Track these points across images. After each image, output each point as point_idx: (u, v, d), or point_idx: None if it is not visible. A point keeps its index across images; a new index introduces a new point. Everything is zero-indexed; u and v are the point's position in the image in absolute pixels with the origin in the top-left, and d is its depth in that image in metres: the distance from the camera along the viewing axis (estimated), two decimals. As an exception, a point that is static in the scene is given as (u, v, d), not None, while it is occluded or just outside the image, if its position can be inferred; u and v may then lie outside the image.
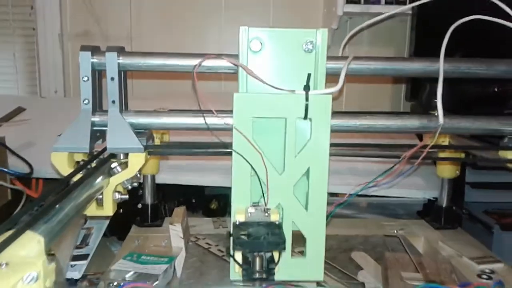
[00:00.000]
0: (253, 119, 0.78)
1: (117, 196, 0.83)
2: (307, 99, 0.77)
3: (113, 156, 0.83)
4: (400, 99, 2.09)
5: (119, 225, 1.30)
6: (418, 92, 1.70)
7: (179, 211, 1.21)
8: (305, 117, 0.78)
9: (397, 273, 0.87)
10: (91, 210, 0.81)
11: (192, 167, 1.40)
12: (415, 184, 1.45)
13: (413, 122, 0.85)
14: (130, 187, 0.84)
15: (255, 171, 0.79)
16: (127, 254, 1.00)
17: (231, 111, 0.82)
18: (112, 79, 0.80)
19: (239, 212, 0.77)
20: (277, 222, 0.77)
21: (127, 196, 0.84)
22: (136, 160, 0.81)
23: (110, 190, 0.81)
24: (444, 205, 1.32)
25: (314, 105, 0.78)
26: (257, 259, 0.74)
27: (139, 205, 1.29)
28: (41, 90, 2.04)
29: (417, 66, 0.81)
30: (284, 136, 0.80)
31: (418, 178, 1.50)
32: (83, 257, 1.11)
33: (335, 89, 0.78)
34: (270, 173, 0.79)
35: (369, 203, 1.52)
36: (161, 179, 1.32)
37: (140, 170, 0.89)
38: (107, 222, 1.25)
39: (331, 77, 0.82)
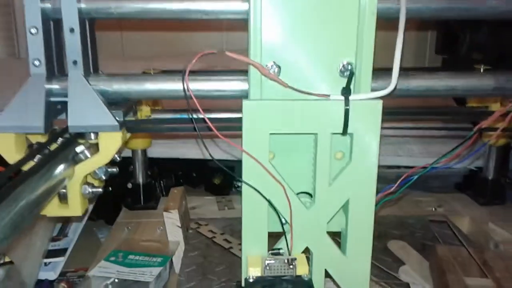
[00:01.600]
0: (270, 137, 0.56)
1: (88, 190, 0.62)
2: (347, 106, 0.55)
3: (80, 136, 0.61)
4: (425, 50, 1.83)
5: (107, 207, 1.13)
6: (452, 44, 1.45)
7: (176, 193, 1.01)
8: (344, 132, 0.56)
9: (459, 280, 0.67)
10: (52, 209, 0.61)
11: (191, 140, 1.18)
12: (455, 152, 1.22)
13: (488, 82, 0.62)
14: (104, 177, 0.63)
15: (274, 208, 0.57)
16: (110, 253, 0.80)
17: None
18: (72, 30, 0.58)
19: (253, 264, 0.57)
20: (306, 278, 0.57)
21: (100, 189, 0.63)
22: (110, 142, 0.59)
23: (77, 182, 0.60)
24: (490, 177, 1.12)
25: (357, 115, 0.56)
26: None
27: (129, 185, 1.09)
28: (19, 51, 1.80)
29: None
30: (314, 157, 0.58)
31: (456, 144, 1.27)
32: (60, 252, 0.92)
33: (388, 90, 0.55)
34: (295, 208, 0.57)
35: (398, 175, 1.30)
36: (155, 152, 1.11)
37: (120, 151, 0.68)
38: (90, 207, 1.05)
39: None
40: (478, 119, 0.67)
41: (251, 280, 0.56)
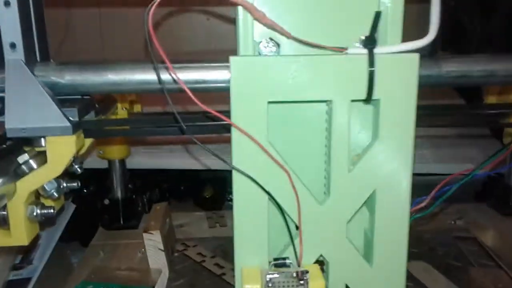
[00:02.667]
0: (268, 106, 0.43)
1: (35, 211, 0.48)
2: (371, 63, 0.41)
3: (26, 142, 0.48)
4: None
5: (83, 226, 0.99)
6: (461, 38, 1.33)
7: (159, 209, 0.88)
8: (368, 98, 0.42)
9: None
10: (-11, 237, 0.47)
11: (177, 148, 1.05)
12: (470, 156, 1.11)
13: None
14: (56, 195, 0.49)
15: (276, 202, 0.44)
16: (78, 285, 0.66)
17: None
18: (7, 4, 0.44)
19: (249, 280, 0.43)
20: None
21: (52, 210, 0.49)
22: (60, 149, 0.46)
23: (20, 202, 0.46)
24: (514, 184, 0.99)
25: (386, 74, 0.42)
26: None
27: (106, 201, 0.95)
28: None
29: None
30: (327, 134, 0.45)
31: (473, 149, 1.15)
32: (22, 283, 0.77)
33: (427, 38, 0.42)
34: (304, 202, 0.44)
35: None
36: (136, 163, 0.97)
37: (81, 162, 0.55)
38: (62, 225, 0.91)
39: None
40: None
41: None
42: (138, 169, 1.04)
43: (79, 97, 0.52)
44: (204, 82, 0.49)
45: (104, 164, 0.97)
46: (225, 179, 1.12)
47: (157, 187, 1.12)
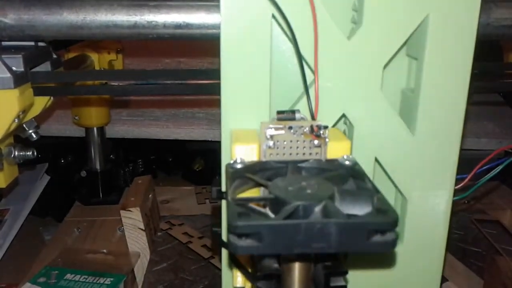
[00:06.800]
0: None
1: (13, 152, 0.39)
2: None
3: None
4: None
5: (57, 201, 0.91)
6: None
7: (140, 183, 0.78)
8: None
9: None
10: None
11: (164, 114, 0.94)
12: (485, 130, 1.01)
13: None
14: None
15: (288, 25, 0.33)
16: (41, 270, 0.56)
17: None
18: None
19: (242, 139, 0.32)
20: (347, 162, 0.30)
21: (30, 153, 0.41)
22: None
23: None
24: (534, 161, 0.90)
25: None
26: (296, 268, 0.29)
27: (83, 173, 0.85)
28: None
29: None
30: None
31: (488, 122, 1.05)
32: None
33: None
34: (325, 33, 0.33)
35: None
36: (117, 132, 0.86)
37: (36, 126, 0.45)
38: (32, 200, 0.81)
39: None
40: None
41: (238, 166, 0.30)
42: (122, 138, 0.94)
43: (32, 43, 0.42)
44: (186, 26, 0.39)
45: (82, 132, 0.87)
46: (216, 151, 1.02)
47: (141, 159, 1.03)
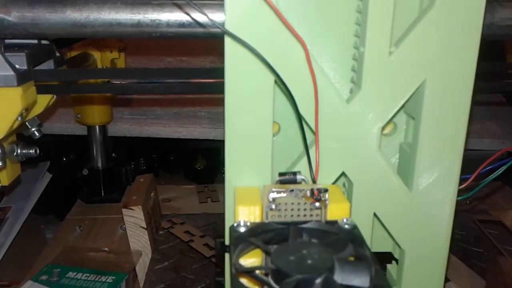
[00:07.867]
0: None
1: (16, 150, 0.40)
2: None
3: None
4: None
5: (59, 199, 0.91)
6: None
7: (142, 182, 0.78)
8: None
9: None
10: None
11: (166, 113, 0.95)
12: (488, 131, 1.01)
13: None
14: (0, 163, 0.39)
15: (287, 91, 0.33)
16: (43, 268, 0.56)
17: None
18: None
19: (245, 201, 0.32)
20: (347, 225, 0.31)
21: (33, 151, 0.42)
22: (1, 103, 0.35)
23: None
24: (536, 161, 0.90)
25: None
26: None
27: (85, 171, 0.85)
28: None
29: None
30: (362, 4, 0.35)
31: (491, 122, 1.05)
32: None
33: None
34: (325, 98, 0.34)
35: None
36: (119, 130, 0.87)
37: (39, 124, 0.45)
38: (34, 198, 0.81)
39: None
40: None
41: (241, 230, 0.30)
42: (124, 136, 0.95)
43: (35, 41, 0.42)
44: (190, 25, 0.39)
45: (84, 130, 0.87)
46: (218, 150, 1.03)
47: (143, 158, 1.03)
